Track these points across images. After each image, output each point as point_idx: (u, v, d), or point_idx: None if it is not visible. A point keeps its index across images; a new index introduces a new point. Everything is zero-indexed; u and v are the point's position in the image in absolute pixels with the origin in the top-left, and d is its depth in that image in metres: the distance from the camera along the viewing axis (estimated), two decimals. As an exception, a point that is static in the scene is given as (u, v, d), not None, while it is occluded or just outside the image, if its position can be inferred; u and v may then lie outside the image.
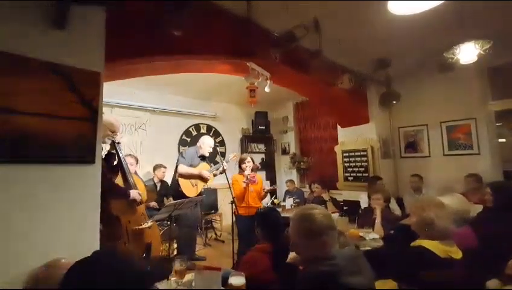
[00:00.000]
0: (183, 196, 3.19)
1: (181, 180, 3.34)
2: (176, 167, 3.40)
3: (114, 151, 2.32)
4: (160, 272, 0.79)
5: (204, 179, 3.48)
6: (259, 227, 1.70)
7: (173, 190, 3.51)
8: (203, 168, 3.51)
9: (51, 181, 1.33)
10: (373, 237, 2.41)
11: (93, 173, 1.47)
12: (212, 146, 3.69)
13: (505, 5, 2.42)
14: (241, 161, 3.38)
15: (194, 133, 5.36)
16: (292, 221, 1.20)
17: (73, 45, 1.45)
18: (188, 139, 5.25)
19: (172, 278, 1.39)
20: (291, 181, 5.27)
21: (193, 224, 3.59)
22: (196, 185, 3.47)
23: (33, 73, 1.33)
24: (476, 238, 1.71)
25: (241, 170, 3.35)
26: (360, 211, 3.26)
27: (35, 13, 1.35)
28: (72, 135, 1.41)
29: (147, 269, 0.72)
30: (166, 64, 2.47)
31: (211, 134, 5.53)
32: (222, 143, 5.69)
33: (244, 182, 3.23)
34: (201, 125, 5.43)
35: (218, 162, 3.66)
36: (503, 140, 3.79)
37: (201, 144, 3.63)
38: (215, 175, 3.61)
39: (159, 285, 1.15)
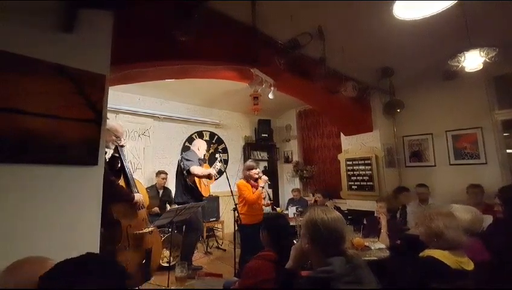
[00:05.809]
0: (201, 196, 3.32)
1: (197, 181, 3.37)
2: (187, 171, 3.30)
3: (117, 155, 2.32)
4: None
5: (210, 177, 3.47)
6: (266, 231, 1.63)
7: (188, 194, 3.36)
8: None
9: (54, 181, 1.32)
10: (379, 246, 2.36)
11: (96, 174, 1.46)
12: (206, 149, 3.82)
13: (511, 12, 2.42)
14: (251, 168, 3.25)
15: (197, 140, 5.35)
16: (302, 224, 1.20)
17: (80, 47, 1.46)
18: (191, 146, 5.25)
19: (172, 287, 1.36)
20: (297, 190, 5.21)
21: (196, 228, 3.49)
22: (207, 184, 3.54)
23: (41, 74, 1.34)
24: (487, 251, 1.65)
25: (249, 177, 3.23)
26: (365, 221, 3.19)
27: (44, 16, 1.37)
28: (76, 136, 1.40)
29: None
30: (171, 70, 2.49)
31: (213, 141, 5.54)
32: (225, 150, 5.68)
33: (261, 187, 3.17)
34: (204, 132, 5.43)
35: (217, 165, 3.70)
36: (511, 151, 3.72)
37: (198, 146, 3.65)
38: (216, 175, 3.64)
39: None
